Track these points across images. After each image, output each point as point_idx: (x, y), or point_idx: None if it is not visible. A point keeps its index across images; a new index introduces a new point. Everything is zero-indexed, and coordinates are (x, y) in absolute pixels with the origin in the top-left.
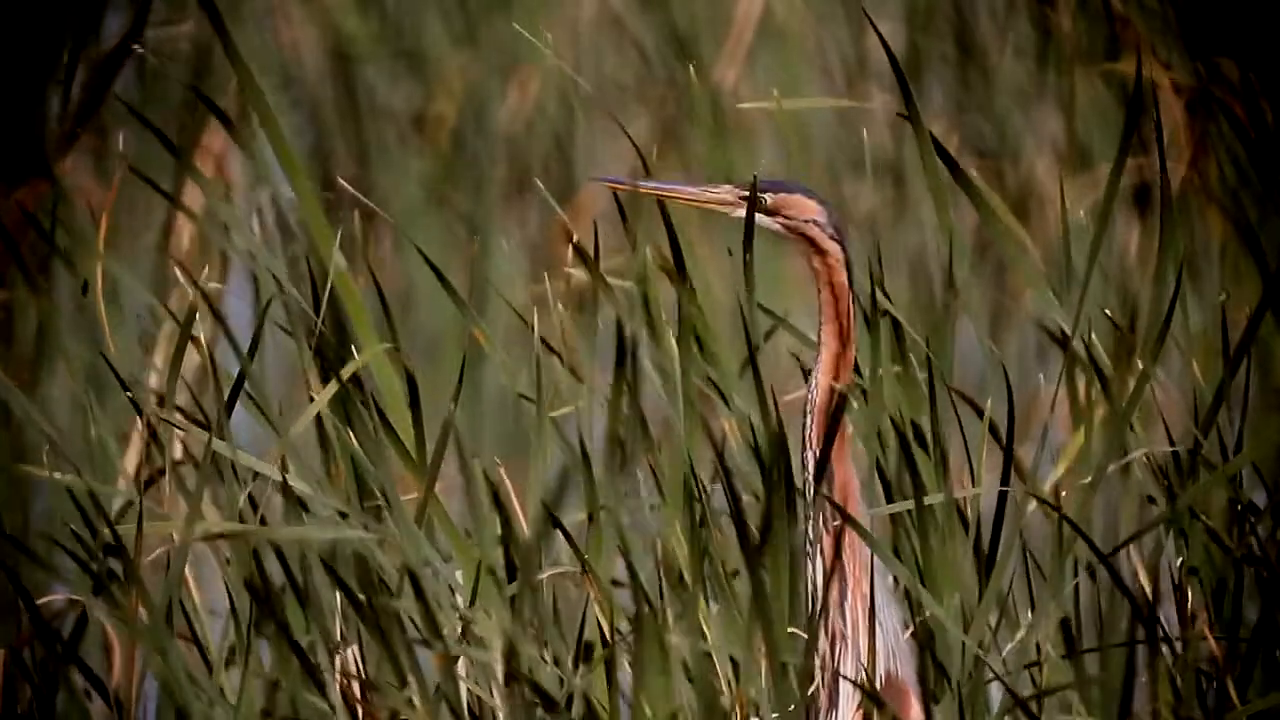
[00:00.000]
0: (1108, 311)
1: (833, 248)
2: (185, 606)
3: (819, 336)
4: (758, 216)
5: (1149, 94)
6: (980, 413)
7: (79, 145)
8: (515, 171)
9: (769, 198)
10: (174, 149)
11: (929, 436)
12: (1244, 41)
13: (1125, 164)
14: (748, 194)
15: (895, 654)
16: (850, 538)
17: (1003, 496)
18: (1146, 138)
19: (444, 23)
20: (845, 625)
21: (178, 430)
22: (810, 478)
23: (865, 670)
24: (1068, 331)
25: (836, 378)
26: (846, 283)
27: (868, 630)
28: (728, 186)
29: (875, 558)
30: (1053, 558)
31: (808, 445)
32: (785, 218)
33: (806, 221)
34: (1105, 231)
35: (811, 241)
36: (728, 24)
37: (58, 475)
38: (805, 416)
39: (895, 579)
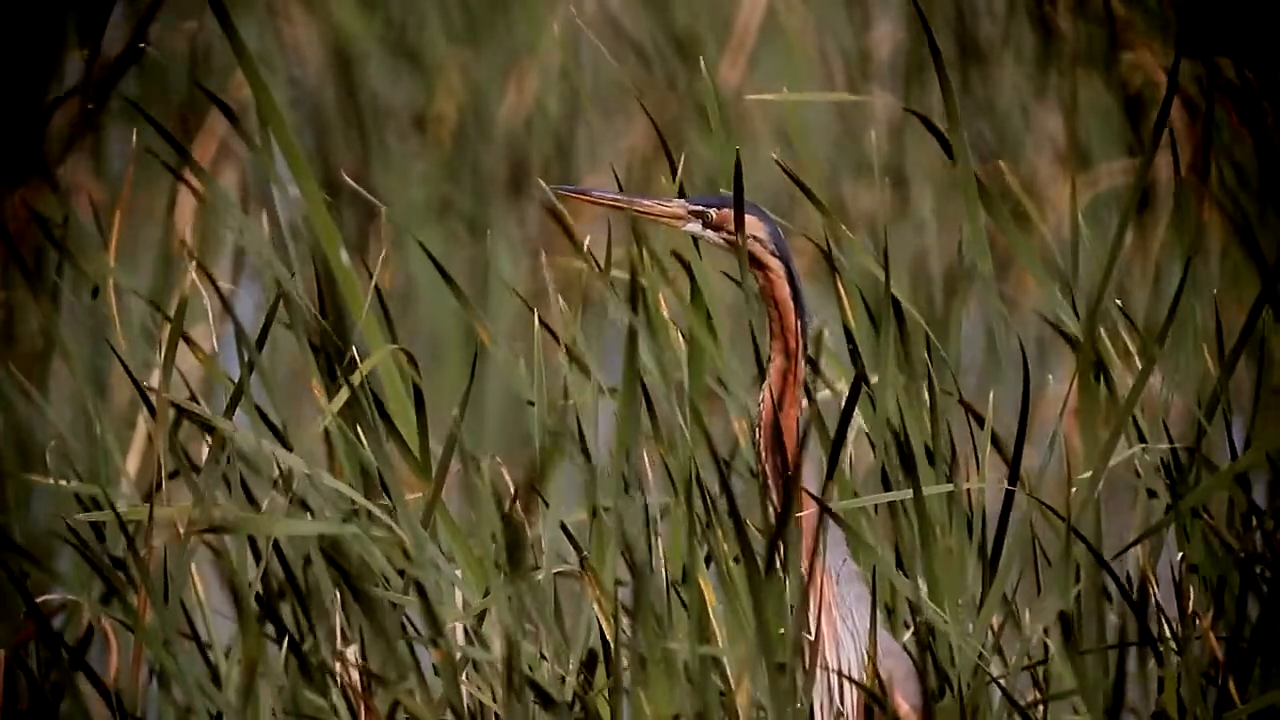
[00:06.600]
0: (1106, 307)
1: (774, 263)
2: (186, 605)
3: (769, 352)
4: (703, 231)
5: (1170, 91)
6: (980, 419)
7: (78, 144)
8: (515, 170)
9: (714, 213)
10: (180, 146)
11: (932, 437)
12: (1243, 42)
13: (1152, 161)
14: (697, 209)
15: (860, 654)
16: (806, 545)
17: (1009, 497)
18: (1146, 139)
19: (444, 22)
20: (810, 631)
21: (185, 426)
22: (762, 488)
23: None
24: (1076, 332)
25: (783, 392)
26: (790, 298)
27: (831, 637)
28: (679, 201)
29: (843, 566)
30: (1056, 558)
31: (760, 457)
32: (729, 233)
33: (749, 237)
34: (1122, 231)
35: (753, 257)
36: (727, 25)
37: (63, 483)
38: (755, 430)
39: (873, 578)
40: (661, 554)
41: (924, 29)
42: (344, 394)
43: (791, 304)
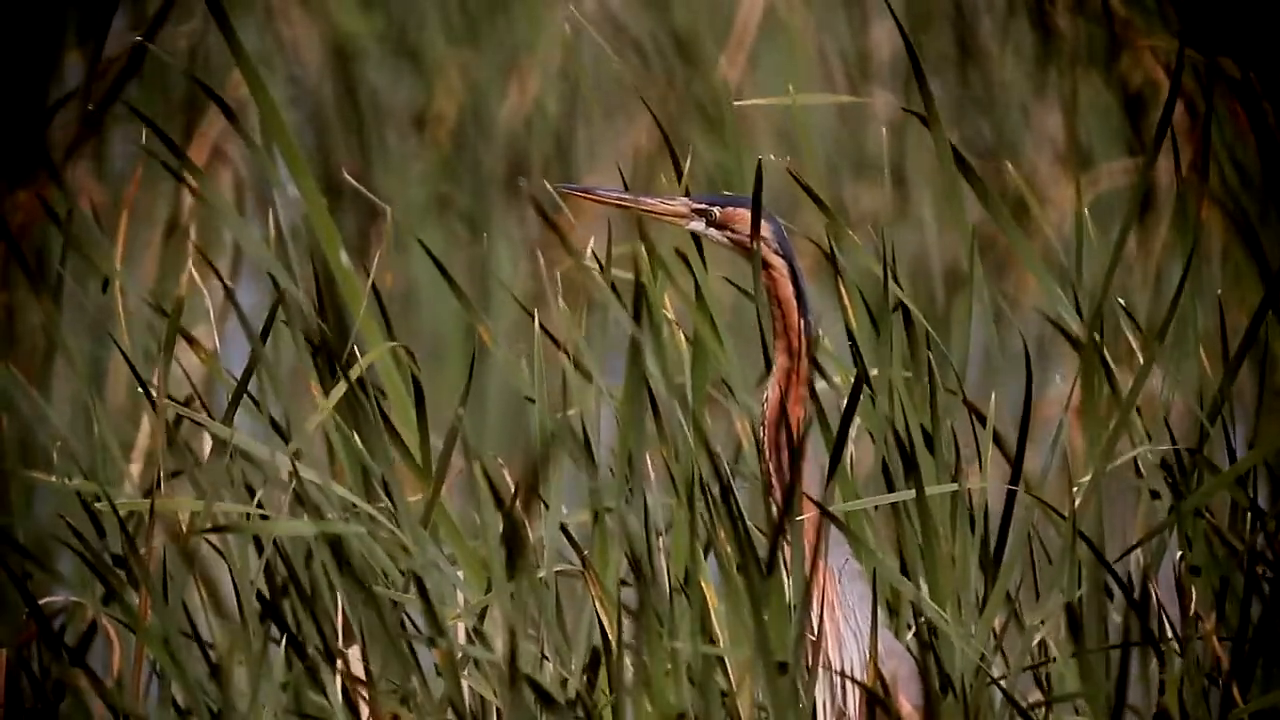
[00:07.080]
0: (1108, 307)
1: (778, 262)
2: (188, 606)
3: (772, 350)
4: (706, 229)
5: (1173, 92)
6: (982, 418)
7: (79, 146)
8: (515, 169)
9: (718, 211)
10: (178, 150)
11: (934, 436)
12: (1245, 41)
13: (1154, 162)
14: (701, 207)
15: (863, 654)
16: (809, 544)
17: (1010, 497)
18: (1147, 138)
19: (444, 21)
20: (812, 631)
21: (188, 425)
22: (765, 488)
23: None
24: (1078, 332)
25: (787, 391)
26: (793, 297)
27: (834, 636)
28: (682, 199)
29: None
30: (1058, 558)
31: (763, 457)
32: (733, 231)
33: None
34: (1125, 231)
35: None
36: (727, 24)
37: (65, 481)
38: (759, 429)
39: (874, 579)
40: (664, 555)
41: (902, 35)
42: (341, 388)
43: (795, 303)
